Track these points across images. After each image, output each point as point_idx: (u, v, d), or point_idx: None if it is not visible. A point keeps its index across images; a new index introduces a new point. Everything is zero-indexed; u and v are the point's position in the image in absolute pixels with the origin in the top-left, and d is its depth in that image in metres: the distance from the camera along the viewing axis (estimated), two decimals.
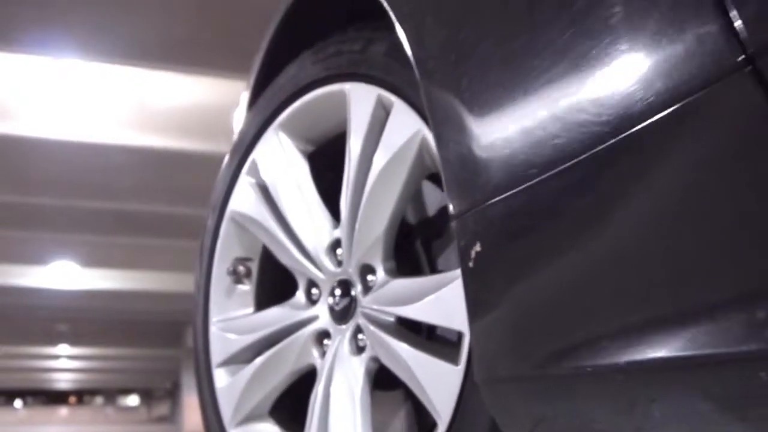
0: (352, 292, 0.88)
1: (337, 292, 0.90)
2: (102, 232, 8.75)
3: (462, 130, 0.58)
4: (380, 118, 0.82)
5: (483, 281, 0.55)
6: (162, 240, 8.84)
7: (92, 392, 36.63)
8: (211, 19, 4.89)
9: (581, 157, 0.46)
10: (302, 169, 0.96)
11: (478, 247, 0.55)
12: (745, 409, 0.41)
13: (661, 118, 0.40)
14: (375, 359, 0.84)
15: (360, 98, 0.84)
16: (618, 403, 0.47)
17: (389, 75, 0.80)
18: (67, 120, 5.79)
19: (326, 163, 0.96)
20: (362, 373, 0.85)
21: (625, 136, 0.42)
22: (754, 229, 0.39)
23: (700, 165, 0.40)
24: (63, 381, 29.45)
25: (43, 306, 12.78)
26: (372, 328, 0.83)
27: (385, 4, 0.71)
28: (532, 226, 0.52)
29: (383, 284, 0.83)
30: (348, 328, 0.88)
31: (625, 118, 0.42)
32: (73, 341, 18.87)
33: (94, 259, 10.39)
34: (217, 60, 5.01)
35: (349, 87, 0.86)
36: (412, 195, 0.84)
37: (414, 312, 0.77)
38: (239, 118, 1.19)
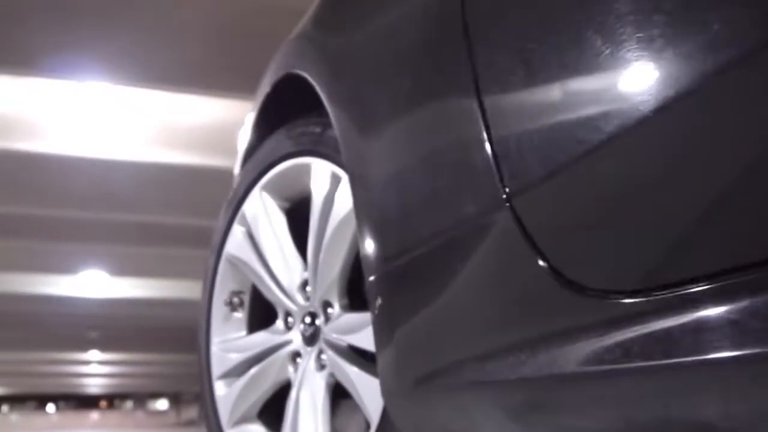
0: (317, 322, 1.12)
1: (307, 320, 1.14)
2: (130, 243, 9.09)
3: (369, 213, 0.82)
4: (333, 188, 1.05)
5: (382, 325, 0.79)
6: (186, 250, 9.12)
7: (122, 397, 37.21)
8: (230, 45, 5.16)
9: (428, 246, 0.69)
10: (280, 222, 1.20)
11: (379, 301, 0.79)
12: (528, 421, 0.64)
13: (450, 236, 0.63)
14: (332, 375, 1.07)
15: (319, 171, 1.08)
16: (458, 412, 0.70)
17: (339, 155, 1.03)
18: (96, 139, 6.12)
19: (299, 217, 1.19)
20: (323, 386, 1.08)
21: (443, 239, 0.66)
22: (515, 319, 0.62)
23: (476, 277, 0.62)
24: (94, 386, 29.99)
25: (73, 313, 13.18)
26: (330, 351, 1.07)
27: (328, 109, 0.95)
28: (410, 289, 0.75)
29: (338, 317, 1.07)
30: (314, 350, 1.12)
31: (437, 230, 0.66)
32: (103, 347, 19.32)
33: (122, 269, 10.75)
34: (235, 83, 5.29)
35: (311, 161, 1.10)
36: (358, 248, 1.07)
37: (356, 340, 1.00)
38: (243, 138, 1.42)
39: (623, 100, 0.53)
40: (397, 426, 0.79)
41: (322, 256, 1.06)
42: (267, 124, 1.27)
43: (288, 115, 1.20)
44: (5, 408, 33.97)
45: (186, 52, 5.19)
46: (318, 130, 1.09)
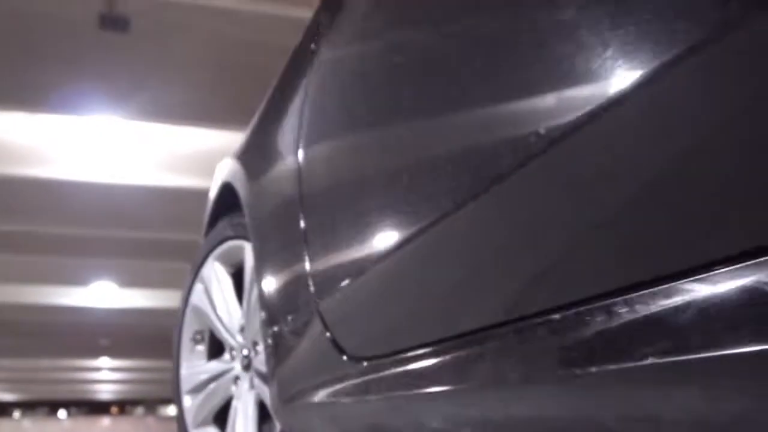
0: (250, 355, 1.59)
1: (244, 353, 1.62)
2: (138, 257, 9.66)
3: (261, 289, 1.29)
4: None
5: (270, 364, 1.26)
6: (189, 263, 9.66)
7: (133, 402, 37.75)
8: (226, 81, 5.66)
9: (283, 322, 1.17)
10: (227, 283, 1.68)
11: (269, 348, 1.27)
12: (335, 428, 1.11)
13: (294, 317, 1.11)
14: (258, 394, 1.55)
15: (249, 251, 1.56)
16: (306, 420, 1.18)
17: None
18: (105, 166, 6.67)
19: (241, 279, 1.67)
20: (253, 401, 1.56)
21: (290, 319, 1.14)
22: (319, 369, 1.09)
23: (304, 340, 1.10)
24: (105, 392, 30.52)
25: (85, 322, 13.79)
26: (257, 377, 1.55)
27: (244, 211, 1.43)
28: (279, 344, 1.23)
29: (261, 353, 1.55)
30: (248, 376, 1.60)
31: (287, 312, 1.14)
32: (114, 354, 19.92)
33: (131, 281, 11.34)
34: (231, 116, 5.81)
35: (244, 243, 1.58)
36: None
37: None
38: (220, 171, 1.87)
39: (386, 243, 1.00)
40: (284, 430, 1.28)
41: (251, 309, 1.55)
42: (220, 209, 1.75)
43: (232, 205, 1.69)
44: (17, 414, 34.43)
45: (185, 88, 5.70)
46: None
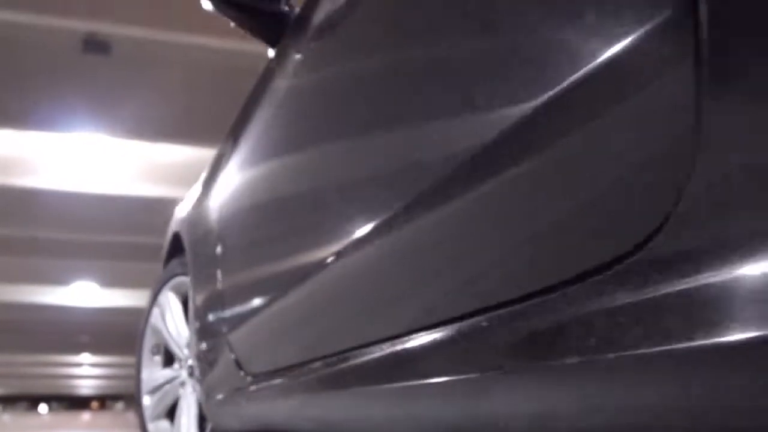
0: (194, 366, 2.06)
1: (189, 363, 2.08)
2: (118, 259, 10.07)
3: (192, 317, 1.76)
4: None
5: (200, 373, 1.73)
6: None
7: (113, 398, 37.83)
8: (200, 102, 6.10)
9: (207, 346, 1.64)
10: (177, 308, 2.15)
11: (201, 363, 1.74)
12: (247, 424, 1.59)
13: (213, 343, 1.58)
14: (199, 396, 2.02)
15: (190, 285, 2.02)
16: (226, 417, 1.65)
17: None
18: (90, 177, 7.10)
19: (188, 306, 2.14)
20: (194, 401, 2.03)
21: (211, 345, 1.61)
22: (230, 381, 1.56)
23: (219, 363, 1.57)
24: (85, 387, 30.60)
25: (67, 320, 14.16)
26: (198, 383, 2.02)
27: (187, 255, 1.90)
28: (205, 361, 1.69)
29: None
30: (191, 381, 2.06)
31: (209, 340, 1.61)
32: (95, 350, 20.25)
33: (111, 281, 11.73)
34: (205, 133, 6.25)
35: (188, 279, 2.05)
36: None
37: None
38: (173, 221, 2.34)
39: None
40: (213, 423, 1.75)
41: (193, 329, 2.01)
42: (173, 251, 2.22)
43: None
44: None
45: (161, 108, 6.14)
46: None
